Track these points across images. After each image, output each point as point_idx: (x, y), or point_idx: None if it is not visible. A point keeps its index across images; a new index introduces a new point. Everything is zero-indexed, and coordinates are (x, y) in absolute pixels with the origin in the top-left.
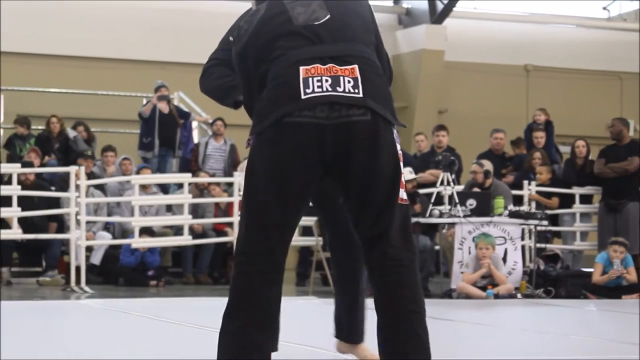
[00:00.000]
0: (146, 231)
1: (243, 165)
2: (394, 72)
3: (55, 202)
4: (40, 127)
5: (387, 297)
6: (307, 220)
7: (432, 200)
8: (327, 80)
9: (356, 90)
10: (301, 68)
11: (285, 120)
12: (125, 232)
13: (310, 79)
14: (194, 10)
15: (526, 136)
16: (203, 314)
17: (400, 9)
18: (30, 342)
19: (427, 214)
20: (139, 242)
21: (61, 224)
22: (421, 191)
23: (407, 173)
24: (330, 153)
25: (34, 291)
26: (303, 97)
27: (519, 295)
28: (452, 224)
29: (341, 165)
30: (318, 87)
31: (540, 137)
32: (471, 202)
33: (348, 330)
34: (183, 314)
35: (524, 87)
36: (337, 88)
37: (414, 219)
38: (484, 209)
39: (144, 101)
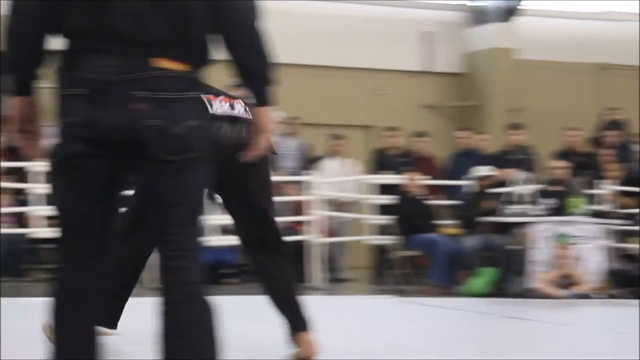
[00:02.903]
0: (223, 229)
1: (321, 163)
2: (467, 71)
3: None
4: None
5: None
6: (383, 219)
7: (508, 199)
8: None
9: None
10: None
11: None
12: (200, 230)
13: None
14: (273, 10)
15: (598, 135)
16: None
17: (473, 7)
18: (113, 337)
19: (504, 213)
20: (217, 240)
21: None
22: (497, 190)
23: (485, 172)
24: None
25: None
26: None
27: (596, 295)
28: (529, 223)
29: None
30: None
31: (612, 135)
32: (547, 201)
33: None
34: (260, 311)
35: (597, 85)
36: None
37: (490, 218)
38: (559, 207)
39: None
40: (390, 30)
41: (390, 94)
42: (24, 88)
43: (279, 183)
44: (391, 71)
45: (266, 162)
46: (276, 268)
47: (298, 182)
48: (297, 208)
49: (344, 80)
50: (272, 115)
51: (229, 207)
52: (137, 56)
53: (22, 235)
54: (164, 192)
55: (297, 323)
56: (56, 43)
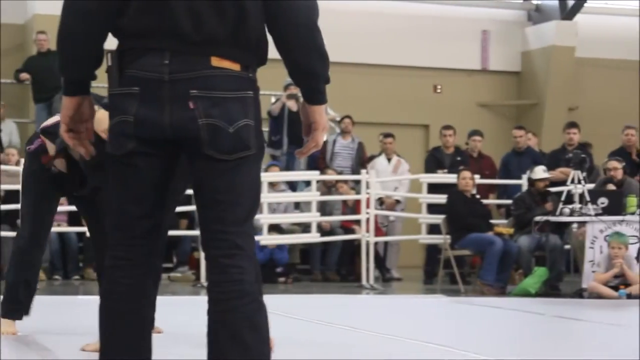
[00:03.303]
0: (275, 228)
1: (373, 163)
2: (524, 70)
3: (186, 199)
4: None
5: None
6: (434, 219)
7: (563, 198)
8: None
9: None
10: None
11: None
12: (254, 229)
13: None
14: (323, 9)
15: None
16: (331, 311)
17: (530, 6)
18: (165, 336)
19: (558, 213)
20: (267, 239)
21: (192, 220)
22: (552, 189)
23: (541, 172)
24: None
25: (165, 287)
26: None
27: None
28: (583, 223)
29: None
30: None
31: None
32: (603, 201)
33: None
34: (311, 310)
35: None
36: None
37: (544, 217)
38: (615, 207)
39: (273, 99)
40: (447, 28)
41: (446, 92)
42: (78, 88)
43: (333, 182)
44: (448, 70)
45: None
46: None
47: (352, 181)
48: (351, 207)
49: (400, 78)
50: (326, 113)
51: None
52: (194, 55)
53: (73, 234)
54: (219, 190)
55: None
56: (109, 42)
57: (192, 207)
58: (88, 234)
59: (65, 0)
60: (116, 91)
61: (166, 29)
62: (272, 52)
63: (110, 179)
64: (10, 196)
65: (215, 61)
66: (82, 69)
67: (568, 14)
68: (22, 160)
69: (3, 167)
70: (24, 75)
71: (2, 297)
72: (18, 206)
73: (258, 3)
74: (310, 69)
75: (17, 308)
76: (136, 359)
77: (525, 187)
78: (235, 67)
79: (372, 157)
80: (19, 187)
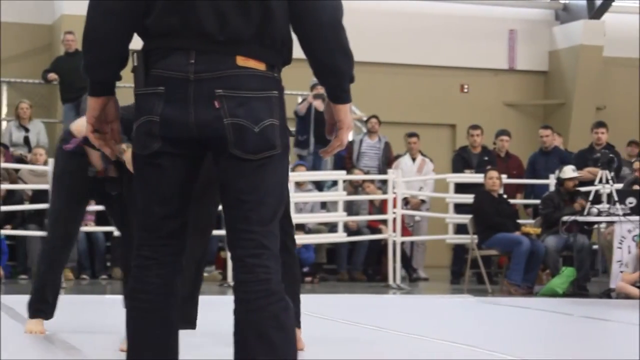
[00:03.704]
0: (301, 228)
1: (398, 162)
2: (552, 69)
3: None
4: None
5: None
6: (461, 218)
7: (591, 198)
8: None
9: None
10: None
11: None
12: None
13: None
14: (350, 9)
15: None
16: (358, 311)
17: (557, 5)
18: (196, 336)
19: (585, 213)
20: None
21: (218, 220)
22: (579, 189)
23: (570, 171)
24: None
25: None
26: None
27: None
28: (611, 223)
29: None
30: None
31: None
32: (631, 200)
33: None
34: (338, 310)
35: None
36: None
37: (572, 217)
38: None
39: (300, 99)
40: (475, 28)
41: (473, 92)
42: (104, 89)
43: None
44: (475, 69)
45: None
46: (290, 259)
47: (379, 181)
48: (378, 207)
49: (427, 78)
50: (352, 113)
51: None
52: (220, 54)
53: (101, 233)
54: (244, 190)
55: (297, 317)
56: (134, 42)
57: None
58: (116, 234)
59: (90, 0)
60: (142, 91)
61: (191, 29)
62: (298, 52)
63: (136, 179)
64: (38, 196)
65: (241, 60)
66: (108, 70)
67: (596, 13)
68: (50, 160)
69: (31, 166)
70: (52, 76)
71: (29, 297)
72: (46, 206)
73: (283, 3)
74: (335, 68)
75: (45, 308)
76: (163, 358)
77: (552, 187)
78: (261, 66)
79: (397, 157)
80: (46, 186)
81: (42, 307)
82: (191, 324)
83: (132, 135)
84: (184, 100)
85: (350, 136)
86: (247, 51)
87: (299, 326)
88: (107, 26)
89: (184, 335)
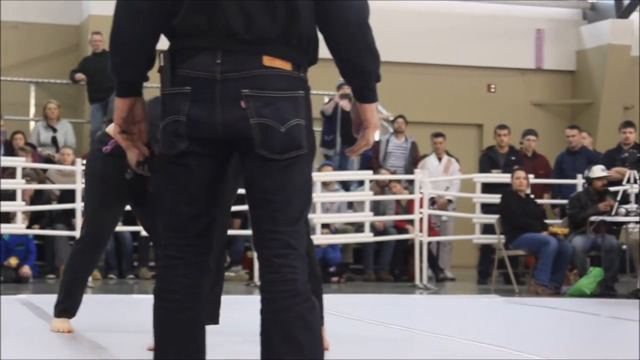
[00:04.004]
0: (327, 228)
1: (423, 162)
2: (579, 69)
3: (240, 198)
4: None
5: None
6: (489, 218)
7: (619, 198)
8: None
9: None
10: None
11: None
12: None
13: None
14: (377, 9)
15: None
16: (384, 311)
17: (585, 4)
18: (222, 335)
19: (613, 213)
20: (320, 239)
21: (245, 220)
22: (607, 189)
23: (599, 170)
24: None
25: None
26: None
27: None
28: (639, 223)
29: None
30: None
31: None
32: None
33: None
34: (364, 310)
35: None
36: None
37: (599, 217)
38: None
39: (326, 99)
40: (501, 27)
41: (500, 91)
42: (131, 89)
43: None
44: (502, 69)
45: None
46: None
47: (405, 181)
48: (404, 207)
49: (453, 78)
50: (378, 112)
51: None
52: (246, 54)
53: (128, 233)
54: (271, 190)
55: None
56: (160, 42)
57: (245, 207)
58: (143, 233)
59: (117, 1)
60: (168, 91)
61: (218, 29)
62: (324, 52)
63: (162, 179)
64: (66, 195)
65: (267, 60)
66: (135, 71)
67: (624, 12)
68: (78, 160)
69: (58, 166)
70: (79, 76)
71: (57, 295)
72: (74, 206)
73: (309, 2)
74: (361, 67)
75: (71, 307)
76: (190, 358)
77: (579, 187)
78: (287, 66)
79: (424, 157)
80: (74, 186)
81: (68, 307)
82: (214, 319)
83: (159, 135)
84: (211, 100)
85: (376, 136)
86: (274, 51)
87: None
88: (135, 27)
89: (210, 334)
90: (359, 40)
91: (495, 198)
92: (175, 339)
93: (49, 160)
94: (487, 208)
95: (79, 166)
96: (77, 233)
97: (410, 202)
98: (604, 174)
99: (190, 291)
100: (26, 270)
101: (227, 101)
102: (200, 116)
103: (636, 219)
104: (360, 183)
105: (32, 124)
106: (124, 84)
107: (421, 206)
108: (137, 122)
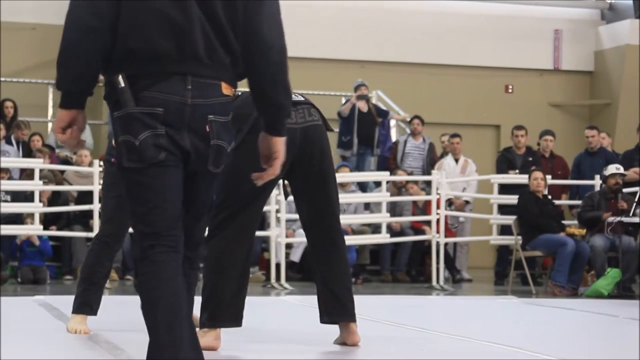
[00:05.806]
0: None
1: (440, 163)
2: (597, 69)
3: None
4: None
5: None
6: (506, 219)
7: (637, 199)
8: None
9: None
10: None
11: None
12: None
13: None
14: (394, 9)
15: None
16: (401, 312)
17: (603, 4)
18: (238, 334)
19: (631, 213)
20: None
21: (262, 222)
22: (625, 190)
23: (613, 168)
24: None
25: None
26: None
27: None
28: None
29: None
30: None
31: None
32: None
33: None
34: (381, 311)
35: None
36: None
37: (617, 218)
38: None
39: (343, 100)
40: (519, 28)
41: (518, 92)
42: (76, 102)
43: (403, 182)
44: (519, 69)
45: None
46: (337, 254)
47: (422, 182)
48: (421, 208)
49: (471, 79)
50: (282, 144)
51: (299, 194)
52: (210, 79)
53: None
54: (206, 202)
55: (351, 311)
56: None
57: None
58: None
59: (68, 15)
60: (138, 110)
61: (186, 53)
62: (341, 54)
63: (140, 188)
64: (83, 197)
65: (225, 89)
66: (84, 85)
67: None
68: (95, 162)
69: (76, 168)
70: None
71: (77, 288)
72: (91, 207)
73: (240, 26)
74: (277, 102)
75: (90, 301)
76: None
77: (597, 188)
78: (231, 92)
79: (440, 157)
80: (92, 187)
81: (86, 301)
82: (237, 322)
83: (138, 149)
84: (181, 121)
85: (394, 136)
86: (227, 78)
87: (354, 320)
88: (88, 44)
89: (226, 333)
90: (278, 77)
91: (512, 199)
92: (173, 335)
93: (66, 161)
94: (504, 209)
95: (97, 167)
96: (94, 234)
97: (427, 203)
98: (619, 171)
99: (171, 278)
100: (34, 239)
101: (194, 124)
102: (172, 133)
103: None
104: (377, 184)
105: (50, 126)
106: (71, 96)
107: (438, 207)
108: (80, 130)
